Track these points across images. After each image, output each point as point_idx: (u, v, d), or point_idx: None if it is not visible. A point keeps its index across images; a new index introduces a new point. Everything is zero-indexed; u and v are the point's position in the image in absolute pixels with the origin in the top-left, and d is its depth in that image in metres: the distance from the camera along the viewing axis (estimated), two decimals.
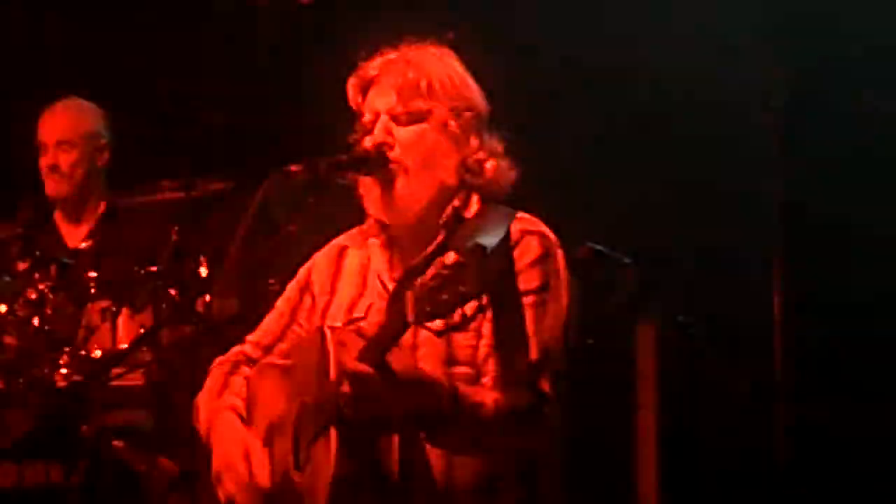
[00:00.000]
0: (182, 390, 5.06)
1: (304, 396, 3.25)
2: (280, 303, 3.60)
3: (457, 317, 3.18)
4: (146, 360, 5.01)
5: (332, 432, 3.12)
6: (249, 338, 3.61)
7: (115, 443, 4.99)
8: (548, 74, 5.70)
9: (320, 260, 3.57)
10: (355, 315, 3.41)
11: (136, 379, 5.03)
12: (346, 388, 3.07)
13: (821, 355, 5.45)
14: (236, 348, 3.61)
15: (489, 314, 3.26)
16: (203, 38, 6.31)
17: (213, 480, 3.40)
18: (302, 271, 3.61)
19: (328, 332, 3.24)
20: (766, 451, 5.54)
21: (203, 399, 3.53)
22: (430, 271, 2.96)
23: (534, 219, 3.39)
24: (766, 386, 5.54)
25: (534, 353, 3.23)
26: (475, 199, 3.41)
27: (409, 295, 2.98)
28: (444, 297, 2.93)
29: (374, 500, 3.14)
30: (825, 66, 5.46)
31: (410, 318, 2.98)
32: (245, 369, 3.53)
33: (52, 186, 5.67)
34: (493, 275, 2.96)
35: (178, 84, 5.65)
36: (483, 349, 3.26)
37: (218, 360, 3.60)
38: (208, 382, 3.56)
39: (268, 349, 3.54)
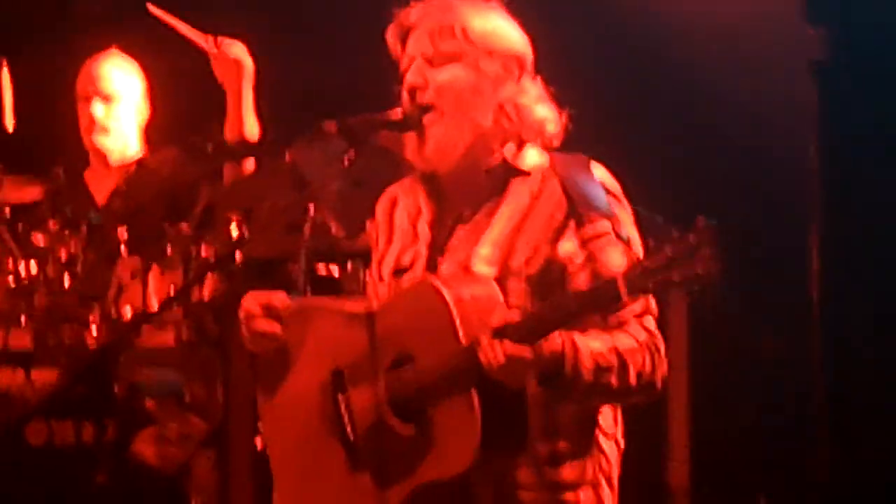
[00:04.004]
0: (211, 349, 5.06)
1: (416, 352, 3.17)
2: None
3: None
4: (177, 320, 4.99)
5: (473, 397, 3.05)
6: None
7: (147, 402, 4.99)
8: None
9: (378, 209, 3.53)
10: (403, 265, 3.38)
11: (166, 338, 5.01)
12: (484, 356, 3.01)
13: (858, 322, 5.40)
14: None
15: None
16: None
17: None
18: (369, 223, 3.60)
19: (444, 291, 3.13)
20: (800, 415, 5.51)
21: None
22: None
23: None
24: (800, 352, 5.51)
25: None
26: (533, 150, 3.33)
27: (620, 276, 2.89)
28: (675, 278, 2.84)
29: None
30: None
31: (625, 296, 2.91)
32: None
33: (91, 139, 5.63)
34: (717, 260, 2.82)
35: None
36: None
37: None
38: None
39: None
